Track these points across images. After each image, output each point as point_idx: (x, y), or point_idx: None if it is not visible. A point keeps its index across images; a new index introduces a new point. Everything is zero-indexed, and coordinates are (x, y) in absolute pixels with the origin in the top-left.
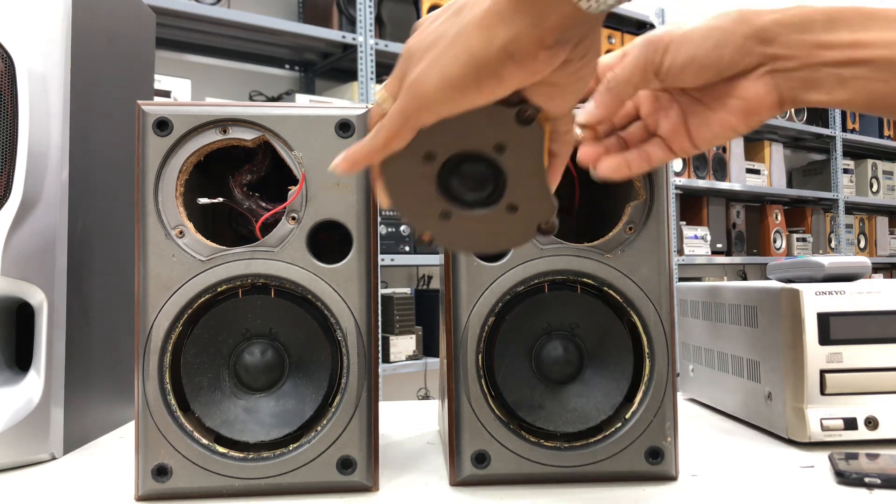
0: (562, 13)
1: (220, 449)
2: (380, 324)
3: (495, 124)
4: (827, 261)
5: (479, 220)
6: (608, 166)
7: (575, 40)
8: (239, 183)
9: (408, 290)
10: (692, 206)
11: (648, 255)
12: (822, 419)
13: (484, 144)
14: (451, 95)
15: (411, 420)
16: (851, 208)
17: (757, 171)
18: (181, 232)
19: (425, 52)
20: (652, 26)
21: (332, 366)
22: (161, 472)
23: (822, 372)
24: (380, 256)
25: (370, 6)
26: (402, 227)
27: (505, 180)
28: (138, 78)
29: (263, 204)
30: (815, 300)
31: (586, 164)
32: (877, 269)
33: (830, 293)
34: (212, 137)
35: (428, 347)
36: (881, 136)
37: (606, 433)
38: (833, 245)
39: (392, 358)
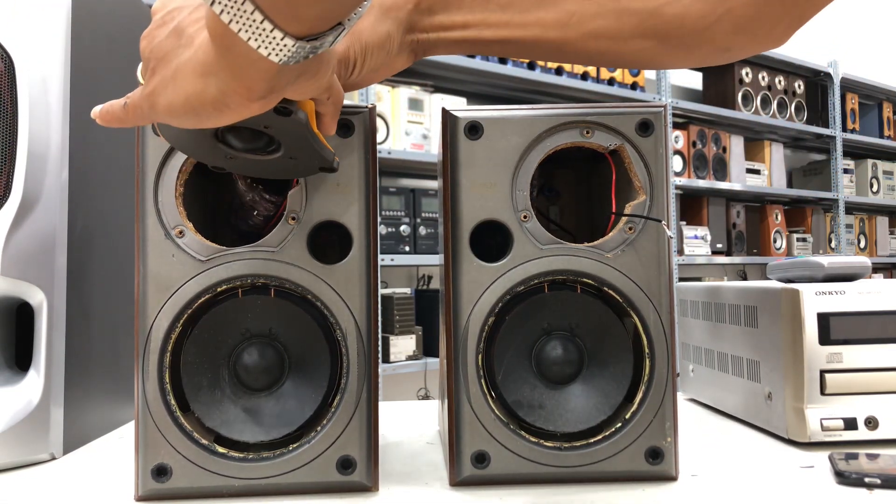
0: (261, 68)
1: (220, 449)
2: (380, 324)
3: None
4: (827, 261)
5: (262, 165)
6: None
7: (290, 81)
8: (243, 174)
9: (408, 290)
10: (692, 206)
11: (648, 255)
12: (822, 419)
13: (250, 125)
14: (178, 121)
15: (411, 420)
16: (851, 208)
17: (757, 171)
18: (181, 232)
19: (157, 66)
20: None
21: (332, 366)
22: (161, 472)
23: (822, 372)
24: (380, 256)
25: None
26: (402, 228)
27: (279, 141)
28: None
29: (267, 196)
30: (815, 300)
31: None
32: (877, 269)
33: (830, 293)
34: None
35: (428, 347)
36: (881, 136)
37: (606, 433)
38: (833, 245)
39: (392, 358)
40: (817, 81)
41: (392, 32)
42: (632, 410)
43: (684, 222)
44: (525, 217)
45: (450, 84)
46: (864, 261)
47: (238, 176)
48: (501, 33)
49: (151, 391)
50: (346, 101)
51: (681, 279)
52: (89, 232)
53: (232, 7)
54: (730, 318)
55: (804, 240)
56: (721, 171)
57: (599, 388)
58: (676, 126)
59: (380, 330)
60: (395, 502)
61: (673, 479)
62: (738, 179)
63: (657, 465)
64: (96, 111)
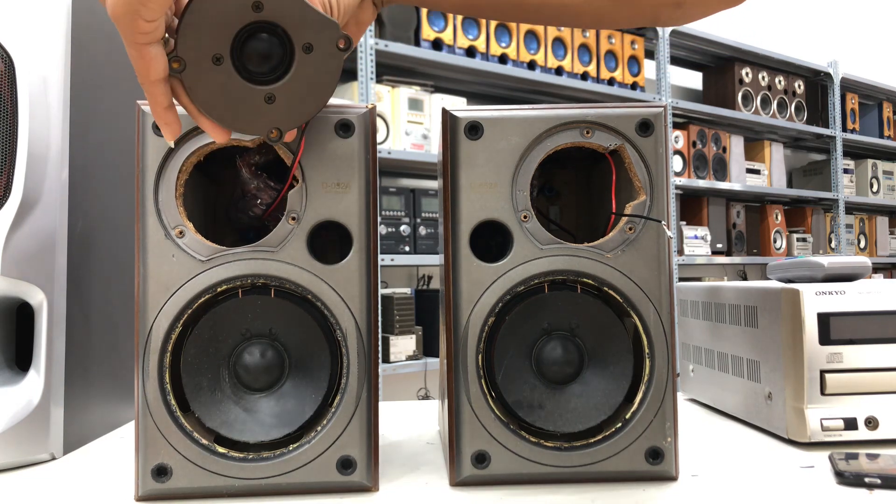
0: None
1: (220, 449)
2: (380, 324)
3: None
4: (827, 261)
5: (296, 82)
6: None
7: None
8: (247, 162)
9: (408, 290)
10: (692, 206)
11: (648, 255)
12: (822, 419)
13: (244, 12)
14: (133, 9)
15: (411, 420)
16: (851, 208)
17: (757, 171)
18: (181, 232)
19: None
20: (654, 30)
21: (332, 366)
22: (161, 472)
23: (822, 372)
24: (380, 256)
25: None
26: (402, 228)
27: (284, 30)
28: None
29: (272, 183)
30: (815, 300)
31: None
32: (877, 269)
33: (830, 293)
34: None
35: (428, 347)
36: (881, 136)
37: (606, 433)
38: (833, 245)
39: (392, 358)
40: (817, 81)
41: None
42: (632, 410)
43: (684, 222)
44: (525, 217)
45: (450, 84)
46: (864, 261)
47: (242, 163)
48: None
49: (151, 391)
50: (346, 101)
51: (681, 279)
52: (89, 232)
53: None
54: (730, 318)
55: (804, 240)
56: (721, 171)
57: (599, 388)
58: (676, 126)
59: (380, 330)
60: (395, 502)
61: (673, 479)
62: (738, 179)
63: (657, 465)
64: (165, 135)
